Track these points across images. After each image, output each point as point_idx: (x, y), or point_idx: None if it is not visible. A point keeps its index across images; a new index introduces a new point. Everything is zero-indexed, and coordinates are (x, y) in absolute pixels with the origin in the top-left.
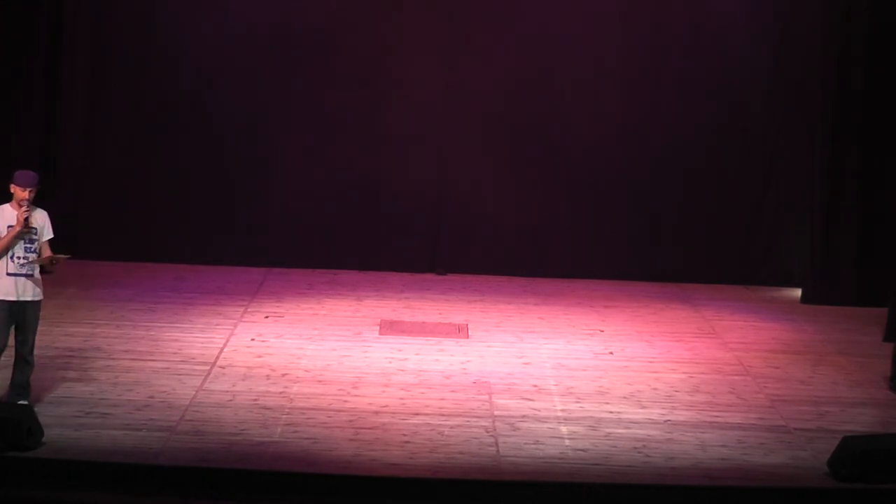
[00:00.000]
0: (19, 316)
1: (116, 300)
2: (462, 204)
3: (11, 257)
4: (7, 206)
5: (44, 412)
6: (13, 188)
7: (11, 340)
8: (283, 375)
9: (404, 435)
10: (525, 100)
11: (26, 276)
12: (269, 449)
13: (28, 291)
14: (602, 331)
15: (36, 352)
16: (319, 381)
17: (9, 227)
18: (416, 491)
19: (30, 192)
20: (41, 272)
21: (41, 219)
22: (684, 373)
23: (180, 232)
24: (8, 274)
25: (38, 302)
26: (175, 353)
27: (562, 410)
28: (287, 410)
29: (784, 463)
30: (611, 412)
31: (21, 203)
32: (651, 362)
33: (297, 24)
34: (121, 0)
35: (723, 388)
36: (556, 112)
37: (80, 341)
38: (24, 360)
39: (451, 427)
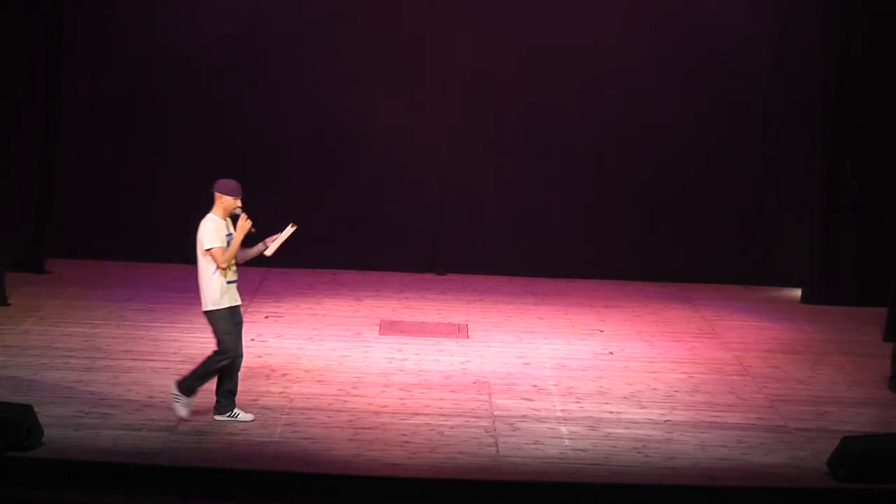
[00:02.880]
0: (237, 319)
1: (116, 300)
2: (462, 204)
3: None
4: (213, 217)
5: (43, 412)
6: (222, 198)
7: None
8: (283, 375)
9: (404, 435)
10: (525, 99)
11: (237, 281)
12: (269, 449)
13: (238, 297)
14: (602, 331)
15: (35, 351)
16: (319, 381)
17: (227, 235)
18: (415, 491)
19: (241, 199)
20: None
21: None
22: (684, 373)
23: (180, 232)
24: (229, 282)
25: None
26: (175, 354)
27: (561, 410)
28: (287, 410)
29: (784, 463)
30: (610, 412)
31: (235, 211)
32: (651, 362)
33: (297, 23)
34: (121, 0)
35: (722, 388)
36: (557, 112)
37: (80, 341)
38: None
39: (451, 427)
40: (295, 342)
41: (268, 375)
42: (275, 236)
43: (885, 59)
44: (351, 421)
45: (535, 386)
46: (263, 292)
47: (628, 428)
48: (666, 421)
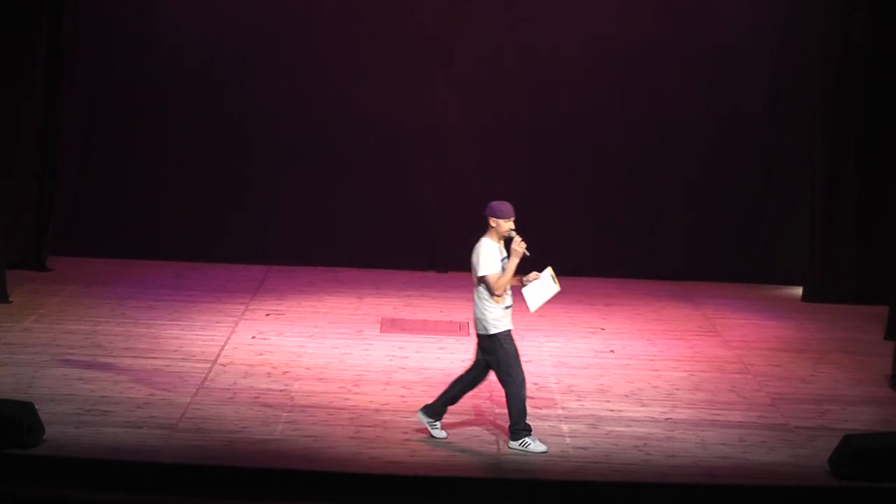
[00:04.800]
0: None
1: (117, 298)
2: (463, 202)
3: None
4: (488, 241)
5: (44, 410)
6: (497, 222)
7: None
8: (285, 373)
9: (405, 433)
10: (525, 98)
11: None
12: (270, 447)
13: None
14: (603, 329)
15: (36, 349)
16: (320, 379)
17: (502, 259)
18: (416, 489)
19: (513, 220)
20: None
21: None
22: (685, 371)
23: (181, 229)
24: (506, 307)
25: None
26: (176, 351)
27: (563, 408)
28: (288, 408)
29: (785, 461)
30: (612, 410)
31: (509, 234)
32: (652, 360)
33: (298, 22)
34: (121, 0)
35: (724, 386)
36: (557, 111)
37: (81, 339)
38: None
39: (452, 425)
40: (296, 340)
41: (269, 373)
42: (535, 274)
43: (885, 59)
44: (352, 419)
45: (536, 384)
46: (265, 290)
47: (629, 426)
48: (667, 419)
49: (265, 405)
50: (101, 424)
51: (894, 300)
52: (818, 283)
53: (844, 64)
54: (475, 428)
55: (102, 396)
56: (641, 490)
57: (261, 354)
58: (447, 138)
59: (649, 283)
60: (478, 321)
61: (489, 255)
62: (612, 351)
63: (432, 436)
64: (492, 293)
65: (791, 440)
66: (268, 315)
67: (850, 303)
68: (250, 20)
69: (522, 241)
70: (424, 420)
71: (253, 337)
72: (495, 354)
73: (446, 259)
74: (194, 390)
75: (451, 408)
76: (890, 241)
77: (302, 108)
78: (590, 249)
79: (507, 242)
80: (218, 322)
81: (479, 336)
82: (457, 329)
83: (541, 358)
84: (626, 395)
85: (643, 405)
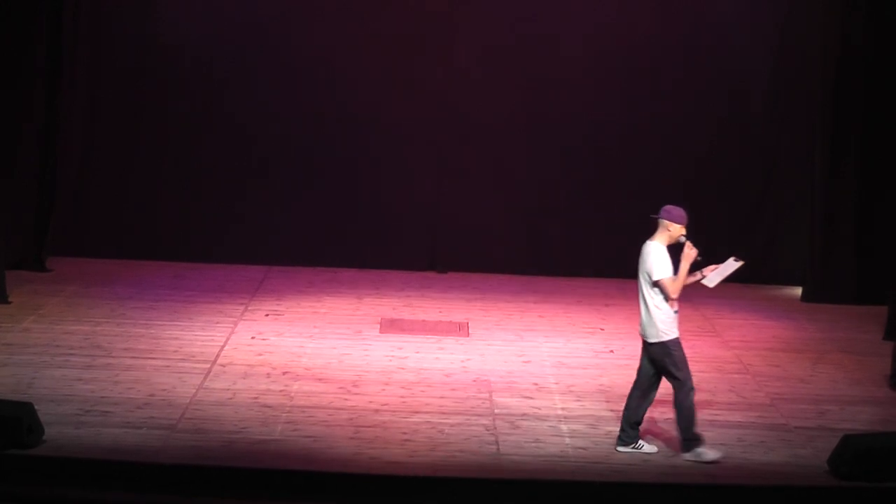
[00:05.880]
0: None
1: (117, 298)
2: (462, 202)
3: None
4: (659, 244)
5: (44, 410)
6: (671, 226)
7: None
8: (284, 373)
9: (404, 433)
10: (525, 98)
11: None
12: (270, 447)
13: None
14: (602, 329)
15: (36, 349)
16: (320, 380)
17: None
18: (416, 489)
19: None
20: None
21: None
22: None
23: (180, 230)
24: (675, 312)
25: None
26: (175, 352)
27: (562, 409)
28: (287, 409)
29: (784, 461)
30: (611, 410)
31: (680, 239)
32: None
33: (298, 23)
34: (121, 0)
35: (723, 386)
36: (556, 111)
37: (81, 339)
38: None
39: (452, 425)
40: (295, 340)
41: (268, 374)
42: (713, 266)
43: (885, 59)
44: (351, 419)
45: (535, 384)
46: (264, 290)
47: None
48: (666, 419)
49: (264, 405)
50: (100, 425)
51: (894, 300)
52: (818, 283)
53: (844, 64)
54: (475, 428)
55: (102, 397)
56: (641, 490)
57: (260, 355)
58: (447, 138)
59: None
60: (646, 328)
61: (664, 259)
62: (611, 351)
63: (646, 452)
64: (666, 297)
65: (790, 440)
66: (267, 315)
67: (850, 303)
68: (250, 20)
69: (693, 247)
70: (627, 450)
71: (252, 337)
72: (664, 361)
73: (446, 259)
74: (194, 391)
75: (450, 408)
76: (890, 241)
77: (302, 108)
78: (590, 249)
79: (672, 247)
80: (217, 322)
81: (647, 344)
82: (456, 329)
83: (540, 358)
84: (625, 396)
85: None
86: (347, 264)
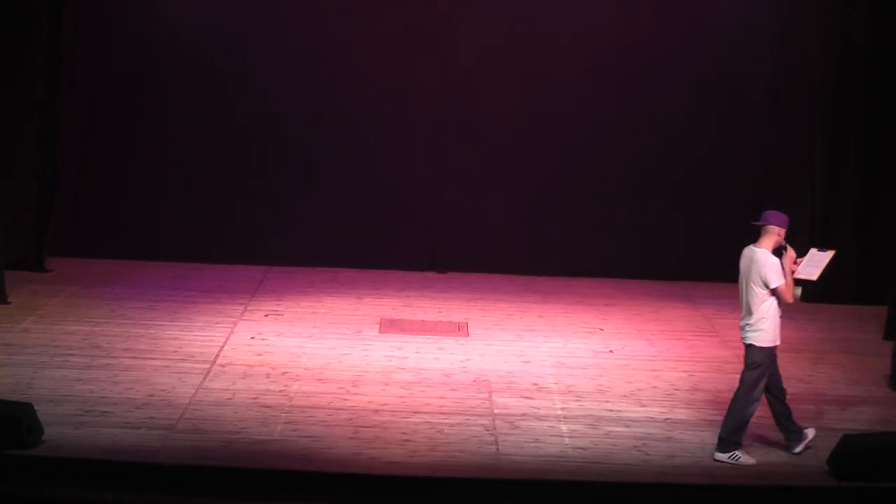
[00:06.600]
0: None
1: (116, 298)
2: (462, 202)
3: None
4: (766, 250)
5: (43, 410)
6: (778, 231)
7: None
8: (283, 374)
9: (404, 433)
10: (524, 98)
11: None
12: (269, 447)
13: None
14: (602, 329)
15: (35, 350)
16: (319, 380)
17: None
18: (415, 489)
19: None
20: None
21: None
22: (684, 371)
23: (180, 230)
24: (781, 317)
25: None
26: (175, 352)
27: (562, 409)
28: (287, 409)
29: (784, 461)
30: (611, 410)
31: (781, 243)
32: (651, 360)
33: (298, 23)
34: (121, 0)
35: (723, 386)
36: (556, 111)
37: (80, 339)
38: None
39: (451, 425)
40: (295, 340)
41: (268, 374)
42: (799, 260)
43: (885, 59)
44: (351, 419)
45: (535, 384)
46: (263, 290)
47: (628, 426)
48: (666, 419)
49: (264, 406)
50: (100, 425)
51: (894, 300)
52: (817, 282)
53: (844, 64)
54: (475, 428)
55: (101, 397)
56: (641, 490)
57: (260, 355)
58: (447, 138)
59: (648, 284)
60: (755, 333)
61: (777, 266)
62: (610, 351)
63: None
64: (784, 301)
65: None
66: (267, 316)
67: (850, 303)
68: (250, 20)
69: (794, 252)
70: (800, 449)
71: (252, 337)
72: (758, 368)
73: (446, 259)
74: (193, 391)
75: (450, 408)
76: (890, 241)
77: (302, 108)
78: (589, 249)
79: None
80: (217, 323)
81: (752, 347)
82: (455, 329)
83: (540, 358)
84: (625, 396)
85: (642, 405)
86: (347, 264)
